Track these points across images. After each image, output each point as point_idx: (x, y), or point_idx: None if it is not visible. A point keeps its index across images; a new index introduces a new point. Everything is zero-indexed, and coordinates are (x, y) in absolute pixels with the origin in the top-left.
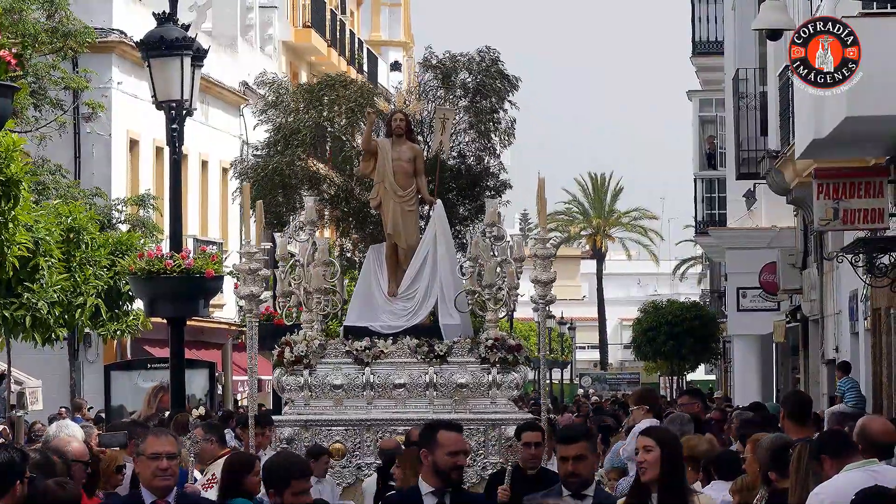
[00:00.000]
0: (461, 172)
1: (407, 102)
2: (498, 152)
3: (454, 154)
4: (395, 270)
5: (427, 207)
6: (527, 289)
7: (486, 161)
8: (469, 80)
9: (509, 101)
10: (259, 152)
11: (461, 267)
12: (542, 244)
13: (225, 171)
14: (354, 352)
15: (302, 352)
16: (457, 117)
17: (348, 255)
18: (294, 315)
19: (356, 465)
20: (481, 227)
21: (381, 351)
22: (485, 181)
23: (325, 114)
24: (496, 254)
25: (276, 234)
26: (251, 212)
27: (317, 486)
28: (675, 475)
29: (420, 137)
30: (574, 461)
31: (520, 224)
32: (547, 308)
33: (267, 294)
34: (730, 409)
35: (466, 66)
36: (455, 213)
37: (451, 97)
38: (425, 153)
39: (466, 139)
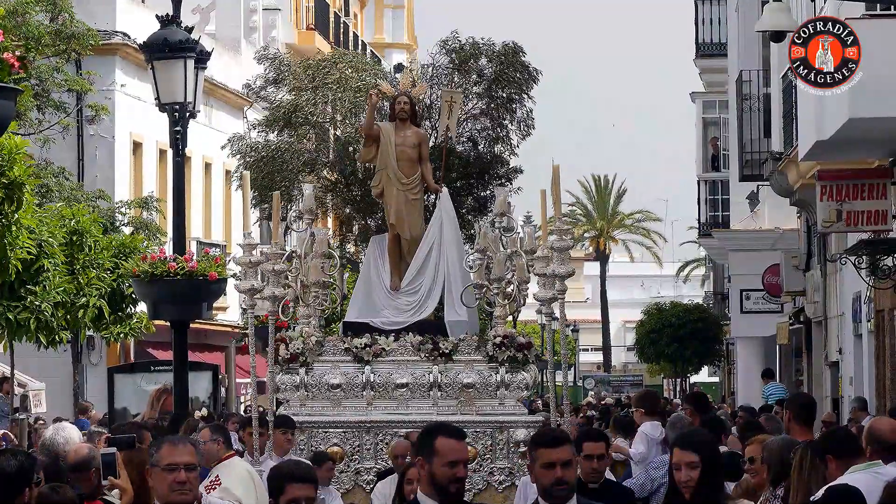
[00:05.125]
0: (470, 160)
1: (414, 84)
2: (514, 143)
3: (464, 139)
4: (398, 263)
5: (432, 196)
6: (531, 289)
7: (497, 149)
8: (488, 67)
9: (526, 94)
10: (258, 131)
11: (468, 260)
12: (559, 235)
13: (228, 172)
14: (354, 349)
15: (298, 349)
16: (470, 103)
17: (350, 252)
18: (290, 311)
19: (355, 469)
20: (490, 218)
21: (382, 348)
22: (494, 168)
23: (330, 95)
24: (505, 246)
25: (272, 224)
26: (251, 201)
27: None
28: (715, 487)
29: (427, 122)
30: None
31: (524, 225)
32: (558, 305)
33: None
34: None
35: (487, 53)
36: (463, 203)
37: (465, 82)
38: (431, 139)
39: (478, 126)
